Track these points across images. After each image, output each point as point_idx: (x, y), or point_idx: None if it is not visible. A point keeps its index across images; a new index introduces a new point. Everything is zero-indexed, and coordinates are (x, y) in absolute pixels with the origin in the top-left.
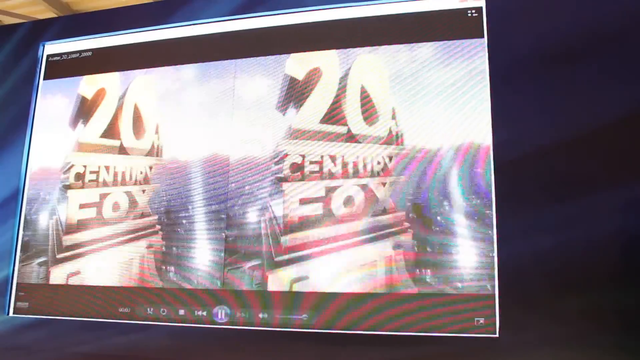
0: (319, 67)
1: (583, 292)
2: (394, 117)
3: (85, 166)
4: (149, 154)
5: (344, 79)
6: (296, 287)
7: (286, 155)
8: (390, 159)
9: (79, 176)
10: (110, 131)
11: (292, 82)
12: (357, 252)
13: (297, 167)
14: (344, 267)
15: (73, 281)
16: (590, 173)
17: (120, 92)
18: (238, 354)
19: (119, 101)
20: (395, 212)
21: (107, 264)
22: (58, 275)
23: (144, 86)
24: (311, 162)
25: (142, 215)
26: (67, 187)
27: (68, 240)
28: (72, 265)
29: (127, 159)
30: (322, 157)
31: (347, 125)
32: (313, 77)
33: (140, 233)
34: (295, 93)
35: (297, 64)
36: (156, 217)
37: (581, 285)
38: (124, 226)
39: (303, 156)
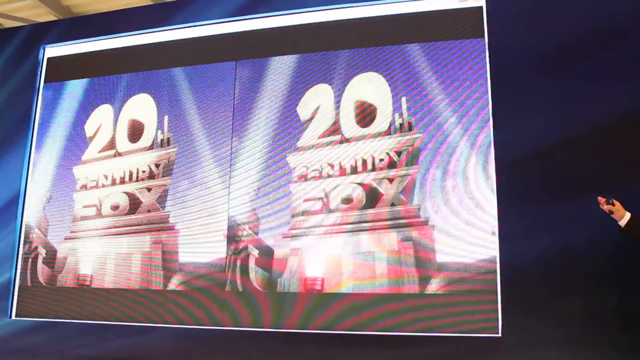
0: (319, 104)
1: (584, 292)
2: (398, 108)
3: (87, 177)
4: (150, 148)
5: (338, 101)
6: (292, 254)
7: (294, 168)
8: (399, 153)
9: (83, 186)
10: (107, 145)
11: (303, 123)
12: (347, 238)
13: (303, 178)
14: (334, 248)
15: (70, 258)
16: (591, 172)
17: (114, 118)
18: (242, 355)
19: (114, 125)
20: (406, 206)
21: (103, 248)
22: (64, 249)
23: (138, 101)
24: (313, 170)
25: (149, 211)
26: (75, 192)
27: (74, 226)
28: (74, 243)
29: (125, 159)
30: (321, 166)
31: (341, 134)
32: (315, 113)
33: (143, 227)
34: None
35: (304, 109)
36: (167, 213)
37: (582, 285)
38: (121, 220)
39: (307, 167)
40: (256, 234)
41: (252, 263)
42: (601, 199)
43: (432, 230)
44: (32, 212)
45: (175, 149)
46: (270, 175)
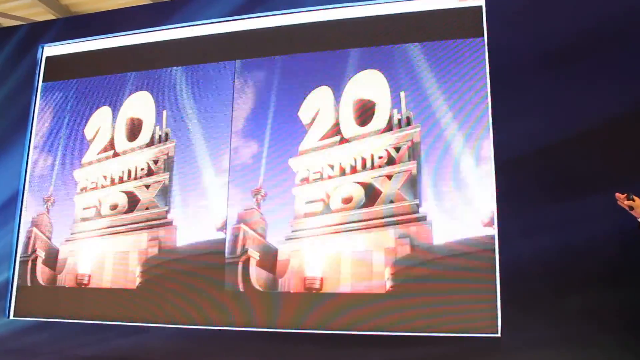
0: (319, 108)
1: (584, 291)
2: (397, 104)
3: (87, 179)
4: (149, 145)
5: (337, 101)
6: (293, 256)
7: (296, 172)
8: (398, 149)
9: (83, 189)
10: (106, 147)
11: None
12: (346, 238)
13: (305, 181)
14: (333, 248)
15: (70, 260)
16: (591, 172)
17: (112, 119)
18: (241, 355)
19: (112, 126)
20: (407, 202)
21: (101, 248)
22: (65, 250)
23: (137, 99)
24: (314, 172)
25: (147, 208)
26: (76, 194)
27: (75, 227)
28: (73, 244)
29: (123, 159)
30: (322, 167)
31: (341, 134)
32: (315, 116)
33: (140, 225)
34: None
35: (306, 113)
36: (165, 208)
37: (582, 284)
38: (120, 219)
39: (308, 170)
40: (258, 234)
41: (253, 264)
42: (620, 195)
43: (429, 227)
44: (35, 215)
45: (173, 144)
46: (268, 173)
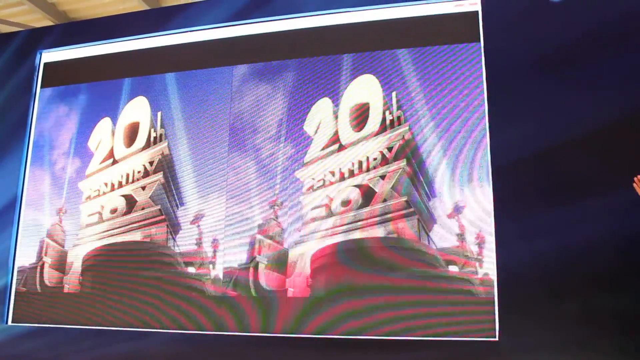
0: (321, 120)
1: (582, 295)
2: (390, 108)
3: (90, 189)
4: (145, 148)
5: (336, 108)
6: (300, 258)
7: (302, 181)
8: (390, 149)
9: (87, 197)
10: (107, 155)
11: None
12: (344, 238)
13: (310, 189)
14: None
15: (75, 264)
16: (587, 176)
17: (112, 127)
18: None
19: (112, 134)
20: (398, 199)
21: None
22: (70, 256)
23: (134, 105)
24: (318, 180)
25: (143, 209)
26: (81, 203)
27: (80, 233)
28: (78, 249)
29: (122, 165)
30: (324, 174)
31: (339, 141)
32: (317, 128)
33: (136, 225)
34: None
35: (310, 127)
36: (158, 207)
37: (580, 288)
38: (118, 221)
39: (313, 178)
40: (275, 242)
41: (261, 268)
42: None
43: (422, 224)
44: (49, 225)
45: (166, 143)
46: (284, 183)
